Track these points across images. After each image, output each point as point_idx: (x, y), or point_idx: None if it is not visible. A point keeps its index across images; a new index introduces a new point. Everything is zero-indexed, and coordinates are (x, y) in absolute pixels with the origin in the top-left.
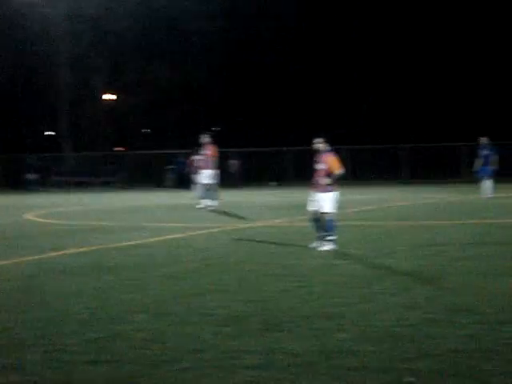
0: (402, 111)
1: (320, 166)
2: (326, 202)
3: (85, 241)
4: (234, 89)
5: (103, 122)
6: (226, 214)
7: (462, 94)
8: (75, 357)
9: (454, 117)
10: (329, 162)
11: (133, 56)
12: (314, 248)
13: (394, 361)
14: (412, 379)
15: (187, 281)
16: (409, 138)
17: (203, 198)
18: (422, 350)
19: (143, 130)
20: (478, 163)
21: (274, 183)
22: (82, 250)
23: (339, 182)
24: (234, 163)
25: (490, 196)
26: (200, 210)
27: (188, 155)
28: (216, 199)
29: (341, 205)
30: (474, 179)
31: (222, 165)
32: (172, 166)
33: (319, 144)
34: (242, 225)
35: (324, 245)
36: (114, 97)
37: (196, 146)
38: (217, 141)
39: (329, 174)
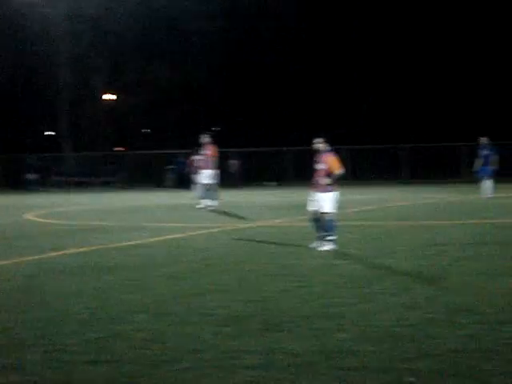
0: (401, 111)
1: (320, 166)
2: (326, 202)
3: (85, 241)
4: (233, 89)
5: (103, 122)
6: (225, 214)
7: (462, 94)
8: (75, 357)
9: (454, 117)
10: (329, 162)
11: (133, 56)
12: (314, 248)
13: (394, 361)
14: (412, 379)
15: (187, 281)
16: (409, 138)
17: (203, 198)
18: (422, 350)
19: (143, 130)
20: (478, 163)
21: (273, 183)
22: (82, 250)
23: (339, 181)
24: (234, 163)
25: (489, 196)
26: (200, 210)
27: (188, 155)
28: (216, 199)
29: (341, 205)
30: (473, 179)
31: (222, 165)
32: (172, 166)
33: (319, 144)
34: (241, 225)
35: (324, 245)
36: (113, 97)
37: (196, 146)
38: (217, 141)
39: (329, 174)
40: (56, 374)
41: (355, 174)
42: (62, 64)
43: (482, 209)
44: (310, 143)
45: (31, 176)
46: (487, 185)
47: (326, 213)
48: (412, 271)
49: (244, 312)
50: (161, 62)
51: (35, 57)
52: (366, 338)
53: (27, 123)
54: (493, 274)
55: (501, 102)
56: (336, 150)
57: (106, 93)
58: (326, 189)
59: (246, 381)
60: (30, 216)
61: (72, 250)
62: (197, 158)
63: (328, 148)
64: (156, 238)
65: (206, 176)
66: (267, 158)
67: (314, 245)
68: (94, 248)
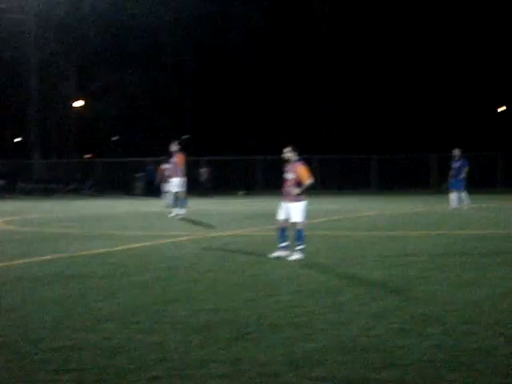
0: (373, 121)
1: (290, 176)
2: (296, 211)
3: (52, 249)
4: (204, 97)
5: (73, 129)
6: (195, 222)
7: (432, 106)
8: (40, 365)
9: (424, 127)
10: (298, 171)
11: (102, 63)
12: (275, 258)
13: (362, 371)
14: None
15: (155, 289)
16: (379, 149)
17: (173, 207)
18: (389, 359)
19: (112, 138)
20: (450, 174)
21: (242, 192)
22: (49, 257)
23: (308, 191)
24: (204, 171)
25: (457, 207)
26: (171, 218)
27: (157, 163)
28: (185, 207)
29: (309, 214)
30: (443, 190)
31: (192, 173)
32: (141, 174)
33: (289, 153)
34: (211, 233)
35: (293, 254)
36: (83, 103)
37: (165, 154)
38: (187, 149)
39: (298, 184)
40: (20, 382)
41: (324, 184)
42: (31, 70)
43: (450, 220)
44: (281, 152)
45: None
46: (457, 196)
47: (296, 222)
48: (380, 281)
49: (212, 321)
50: (130, 68)
51: (3, 63)
52: (333, 347)
53: None
54: (460, 285)
55: (470, 114)
56: (306, 160)
57: (75, 100)
58: (295, 198)
59: None
60: None
61: (39, 258)
62: (166, 166)
63: (298, 157)
64: (124, 247)
65: (174, 184)
66: (237, 166)
67: (274, 254)
68: (61, 256)
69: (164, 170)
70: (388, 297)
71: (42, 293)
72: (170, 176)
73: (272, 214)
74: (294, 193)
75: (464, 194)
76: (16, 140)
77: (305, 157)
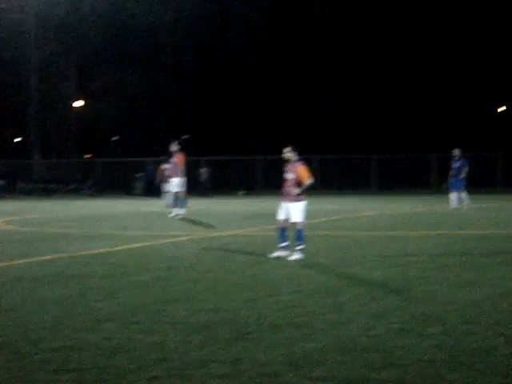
0: (372, 122)
1: (290, 176)
2: (296, 211)
3: (53, 248)
4: (204, 97)
5: (73, 129)
6: (195, 222)
7: (432, 106)
8: (40, 365)
9: (424, 127)
10: (298, 171)
11: (102, 62)
12: (275, 258)
13: (362, 371)
14: None
15: (155, 289)
16: (379, 149)
17: (173, 207)
18: (389, 359)
19: (112, 138)
20: (450, 174)
21: (242, 192)
22: (49, 257)
23: (308, 191)
24: (204, 171)
25: (457, 207)
26: (171, 218)
27: (157, 163)
28: (185, 207)
29: (309, 214)
30: (443, 190)
31: (192, 173)
32: (141, 174)
33: (288, 153)
34: (211, 233)
35: (293, 254)
36: (83, 103)
37: (165, 154)
38: (188, 149)
39: (299, 184)
40: (20, 382)
41: (325, 184)
42: (31, 70)
43: (450, 220)
44: (281, 152)
45: None
46: (457, 196)
47: (296, 222)
48: (380, 281)
49: (212, 321)
50: (130, 68)
51: (3, 63)
52: (333, 347)
53: None
54: (460, 285)
55: (470, 114)
56: (306, 160)
57: (75, 99)
58: (295, 198)
59: None
60: None
61: (39, 258)
62: (166, 166)
63: (298, 157)
64: (124, 247)
65: (174, 184)
66: (237, 166)
67: (274, 254)
68: (61, 256)
69: (164, 169)
70: (388, 297)
71: (41, 293)
72: (170, 176)
73: (272, 214)
74: (294, 193)
75: (464, 194)
76: (16, 140)
77: (305, 157)
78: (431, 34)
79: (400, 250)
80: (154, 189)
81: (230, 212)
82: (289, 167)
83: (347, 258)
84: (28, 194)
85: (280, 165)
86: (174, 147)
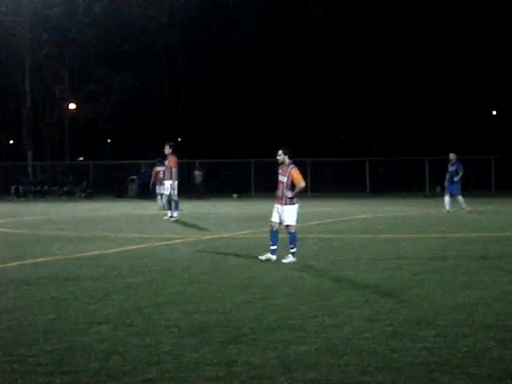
0: (366, 125)
1: (283, 179)
2: (289, 214)
3: (47, 251)
4: (198, 100)
5: (66, 131)
6: (189, 225)
7: (426, 110)
8: (33, 368)
9: (418, 131)
10: (292, 174)
11: (96, 65)
12: (264, 260)
13: (355, 374)
14: None
15: (149, 292)
16: (373, 152)
17: (167, 209)
18: (382, 362)
19: (107, 140)
20: (446, 178)
21: (235, 195)
22: (43, 259)
23: (301, 194)
24: (199, 174)
25: (451, 210)
26: (165, 220)
27: (151, 166)
28: (177, 210)
29: (302, 217)
30: (437, 193)
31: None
32: (135, 177)
33: (282, 156)
34: (204, 236)
35: (287, 257)
36: (76, 106)
37: (159, 157)
38: (182, 151)
39: (292, 187)
40: None
41: (317, 187)
42: (25, 72)
43: (444, 223)
44: (274, 155)
45: None
46: (450, 199)
47: (290, 225)
48: (373, 284)
49: (205, 323)
50: (125, 71)
51: None
52: (327, 350)
53: None
54: (452, 288)
55: (464, 117)
56: (299, 163)
57: (68, 102)
58: (288, 201)
59: None
60: None
61: (33, 260)
62: (159, 168)
63: (291, 160)
64: (118, 249)
65: (168, 187)
66: (231, 169)
67: (263, 257)
68: (56, 258)
69: (158, 172)
70: (381, 300)
71: (35, 295)
72: (164, 178)
73: (266, 217)
74: (288, 196)
75: (460, 198)
76: (11, 142)
77: (298, 160)
78: (426, 37)
79: (393, 253)
80: (147, 191)
81: (224, 214)
82: (282, 170)
83: (340, 261)
84: (22, 196)
85: (274, 168)
86: (168, 150)
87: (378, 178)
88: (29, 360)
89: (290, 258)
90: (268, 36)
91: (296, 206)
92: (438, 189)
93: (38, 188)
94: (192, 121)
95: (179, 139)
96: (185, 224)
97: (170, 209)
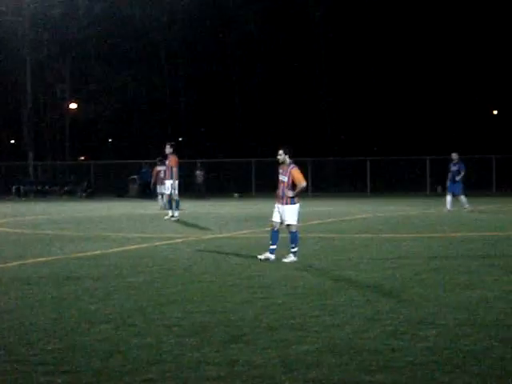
0: (368, 125)
1: (284, 178)
2: (290, 214)
3: (48, 250)
4: (199, 99)
5: (67, 131)
6: (190, 224)
7: (428, 109)
8: (34, 367)
9: (419, 131)
10: (293, 174)
11: (98, 65)
12: (261, 259)
13: (356, 373)
14: None
15: (149, 291)
16: (374, 151)
17: (168, 209)
18: (383, 362)
19: (108, 140)
20: (448, 178)
21: (236, 194)
22: (44, 259)
23: (302, 194)
24: (199, 174)
25: (452, 209)
26: (166, 220)
27: (152, 165)
28: (178, 209)
29: (303, 217)
30: (438, 192)
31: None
32: (135, 176)
33: (283, 155)
34: (206, 236)
35: (288, 256)
36: (77, 106)
37: (160, 157)
38: (184, 151)
39: (293, 186)
40: None
41: (318, 186)
42: (26, 72)
43: (445, 222)
44: (275, 155)
45: None
46: (451, 199)
47: (291, 225)
48: (374, 283)
49: (206, 323)
50: (125, 70)
51: None
52: (328, 350)
53: None
54: (453, 287)
55: (465, 117)
56: (300, 162)
57: (70, 102)
58: (289, 201)
59: None
60: None
61: (34, 260)
62: (160, 168)
63: (292, 160)
64: (119, 248)
65: (168, 186)
66: (233, 169)
67: (262, 256)
68: (57, 258)
69: (158, 172)
70: (382, 299)
71: (36, 295)
72: (165, 178)
73: (267, 217)
74: (289, 195)
75: (463, 197)
76: (12, 142)
77: (299, 159)
78: (426, 37)
79: (394, 253)
80: (148, 191)
81: (225, 214)
82: (283, 170)
83: (341, 261)
84: (23, 195)
85: (275, 167)
86: (169, 149)
87: (380, 177)
88: (30, 359)
89: (291, 258)
90: (268, 36)
91: (297, 205)
92: (439, 188)
93: (38, 188)
94: (193, 120)
95: (180, 139)
96: (186, 224)
97: (170, 208)
